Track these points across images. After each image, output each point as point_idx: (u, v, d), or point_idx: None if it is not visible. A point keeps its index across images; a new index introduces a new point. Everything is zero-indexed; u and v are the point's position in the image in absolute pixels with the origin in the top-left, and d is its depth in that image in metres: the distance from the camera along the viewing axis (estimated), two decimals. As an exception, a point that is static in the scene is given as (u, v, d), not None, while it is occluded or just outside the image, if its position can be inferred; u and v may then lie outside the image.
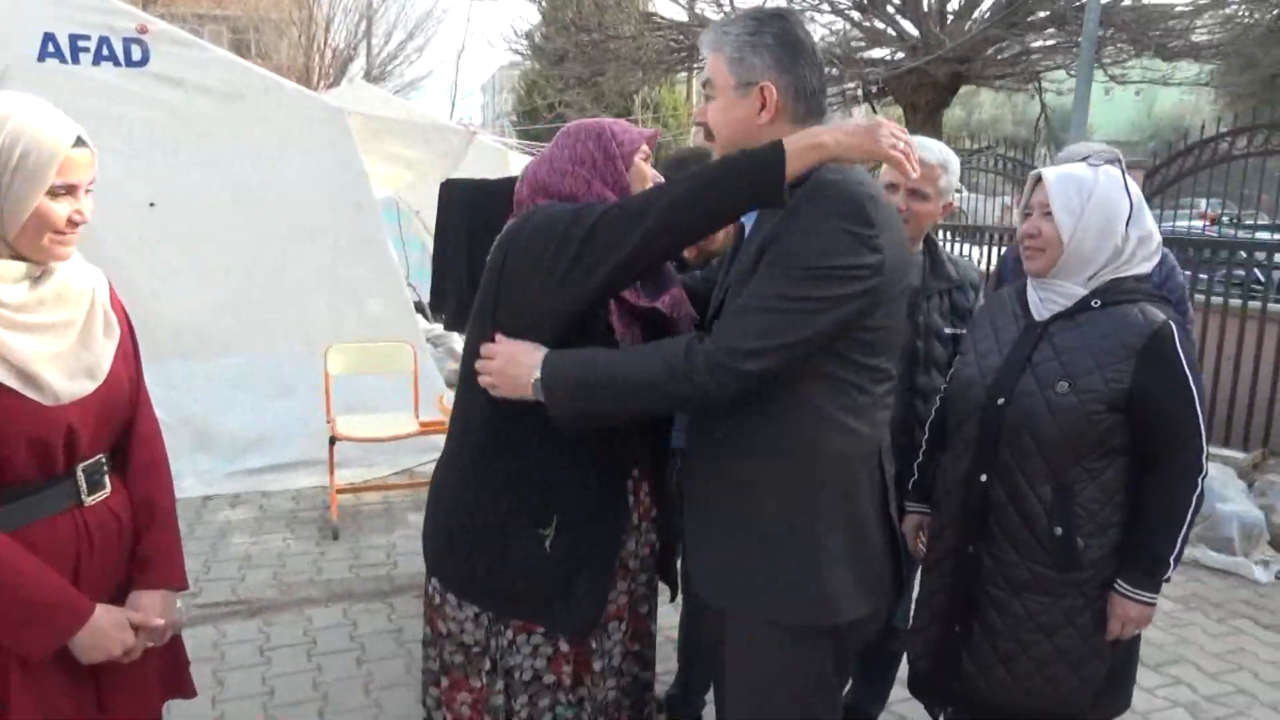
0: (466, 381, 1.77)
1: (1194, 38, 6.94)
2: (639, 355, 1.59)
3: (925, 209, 2.48)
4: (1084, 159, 2.12)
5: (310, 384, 5.35)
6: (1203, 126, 6.49)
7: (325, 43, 21.83)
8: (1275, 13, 8.54)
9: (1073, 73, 7.43)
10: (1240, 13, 7.93)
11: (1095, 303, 2.00)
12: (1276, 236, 7.05)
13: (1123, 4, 6.64)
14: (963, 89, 7.87)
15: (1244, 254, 6.09)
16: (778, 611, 1.62)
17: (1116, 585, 1.97)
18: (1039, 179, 2.08)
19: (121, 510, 1.69)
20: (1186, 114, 35.02)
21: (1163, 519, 1.94)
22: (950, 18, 7.07)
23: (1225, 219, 7.37)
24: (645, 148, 1.83)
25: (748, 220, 1.70)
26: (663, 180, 1.78)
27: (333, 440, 4.67)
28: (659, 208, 1.55)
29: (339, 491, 4.87)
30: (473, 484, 1.75)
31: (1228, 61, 8.92)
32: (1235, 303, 5.85)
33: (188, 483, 5.11)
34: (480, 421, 1.75)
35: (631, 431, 1.77)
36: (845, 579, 1.61)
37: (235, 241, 5.33)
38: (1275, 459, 5.31)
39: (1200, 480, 1.94)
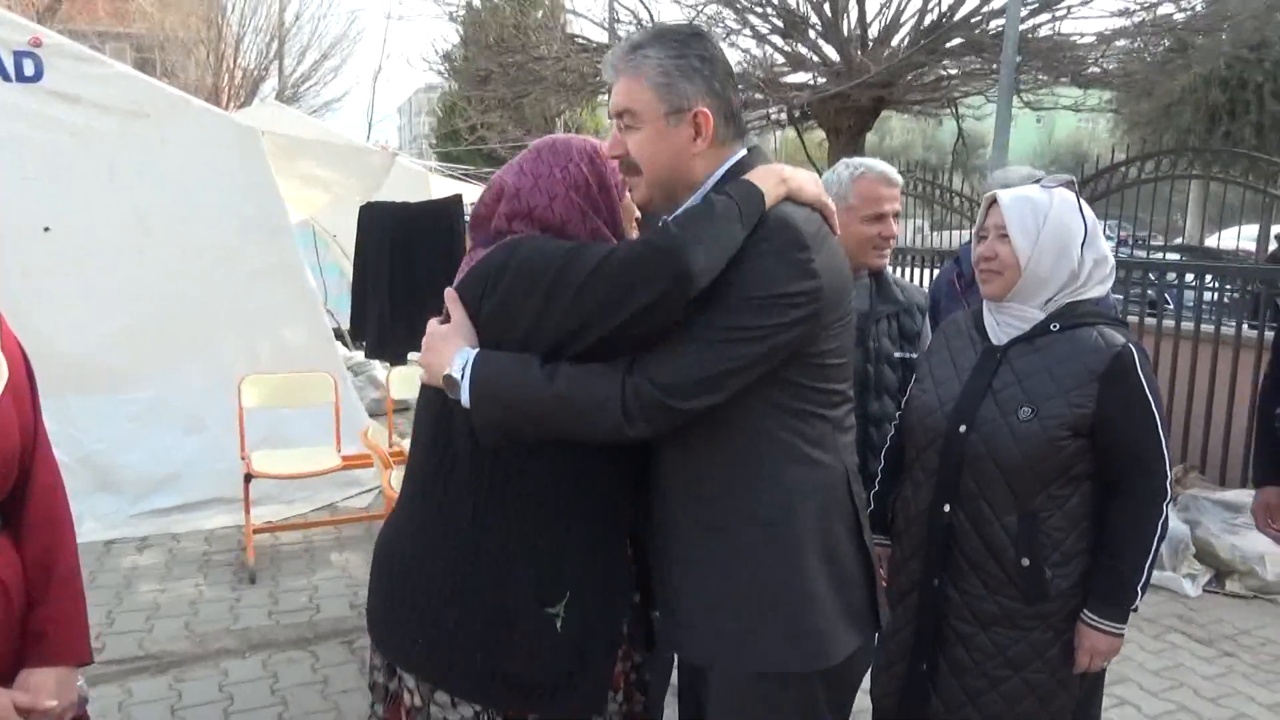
0: (438, 426, 1.54)
1: (1106, 66, 7.19)
2: (573, 380, 1.42)
3: (894, 230, 2.52)
4: (1037, 181, 2.09)
5: (221, 418, 5.07)
6: (1113, 151, 6.69)
7: (235, 62, 21.20)
8: (1166, 44, 8.94)
9: (992, 98, 7.63)
10: (1137, 44, 8.26)
11: (1054, 326, 1.95)
12: (1180, 258, 7.32)
13: (1039, 34, 6.83)
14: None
15: (1152, 275, 6.28)
16: (763, 661, 1.51)
17: (1084, 616, 1.91)
18: (993, 201, 2.04)
19: (10, 575, 1.49)
20: (1084, 140, 36.64)
21: (1130, 546, 1.89)
22: (871, 43, 7.18)
23: (1130, 241, 7.61)
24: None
25: None
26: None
27: (248, 477, 4.41)
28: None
29: (255, 531, 4.59)
30: (463, 559, 1.49)
31: (1126, 91, 9.28)
32: (1150, 321, 6.02)
33: (88, 526, 4.77)
34: (466, 477, 1.50)
35: (629, 482, 1.59)
36: (830, 615, 1.51)
37: (139, 268, 5.03)
38: (1195, 474, 5.44)
39: (1166, 505, 1.90)
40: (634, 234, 1.65)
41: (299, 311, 5.49)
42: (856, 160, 2.56)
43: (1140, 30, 7.13)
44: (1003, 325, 2.02)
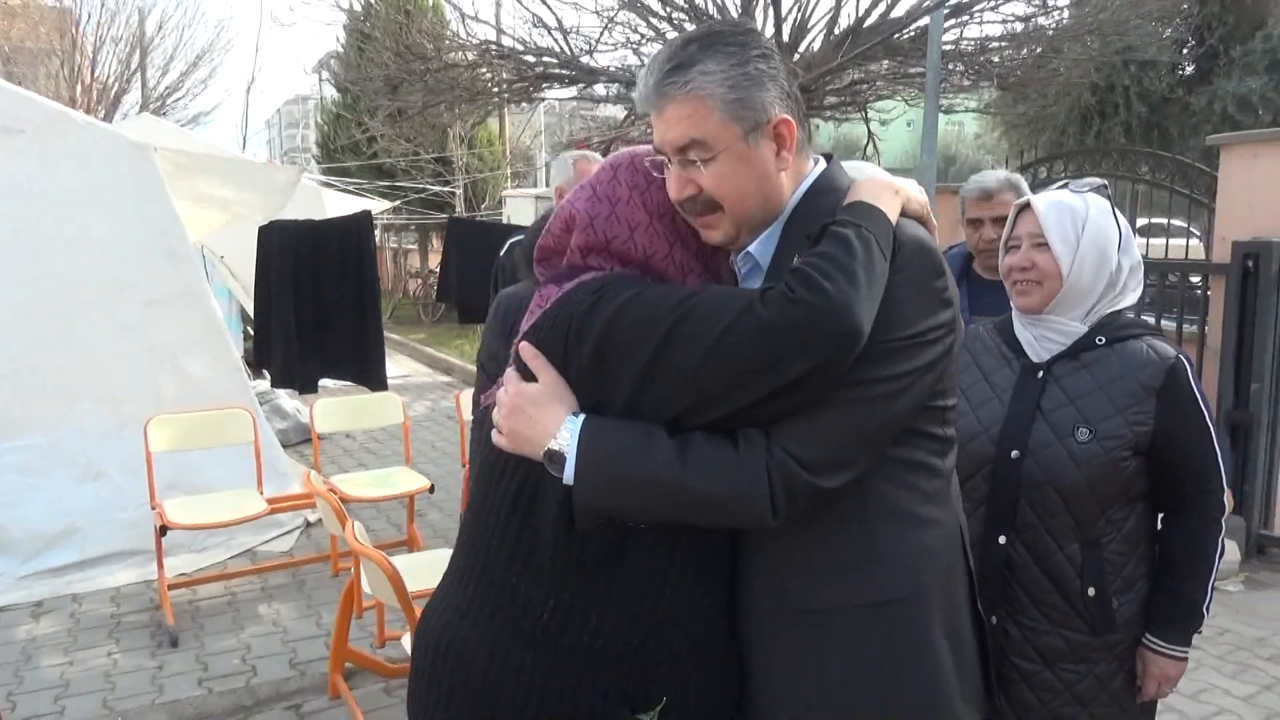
0: (516, 500, 1.28)
1: (1018, 72, 7.40)
2: (709, 463, 1.17)
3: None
4: (1062, 186, 2.00)
5: (122, 463, 4.63)
6: (1021, 154, 6.86)
7: (92, 75, 19.89)
8: (1039, 50, 9.30)
9: (912, 102, 7.73)
10: (1024, 54, 8.56)
11: (1100, 340, 1.86)
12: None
13: (963, 40, 6.96)
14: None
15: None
16: None
17: (1150, 642, 1.83)
18: (1024, 207, 1.93)
19: None
20: (953, 142, 38.21)
21: (1194, 567, 1.82)
22: (785, 48, 7.17)
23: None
24: None
25: (749, 266, 1.36)
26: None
27: (163, 529, 3.98)
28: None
29: (171, 587, 4.17)
30: (540, 659, 1.25)
31: (1006, 94, 9.61)
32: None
33: (-28, 594, 4.26)
34: (548, 563, 1.25)
35: (728, 544, 1.34)
36: (956, 695, 1.33)
37: (19, 300, 4.54)
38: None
39: (1223, 521, 1.84)
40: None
41: (204, 342, 5.08)
42: None
43: (1033, 38, 7.36)
44: (1040, 340, 1.92)
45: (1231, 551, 4.55)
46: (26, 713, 3.33)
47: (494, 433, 1.27)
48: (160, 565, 4.12)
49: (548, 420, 1.20)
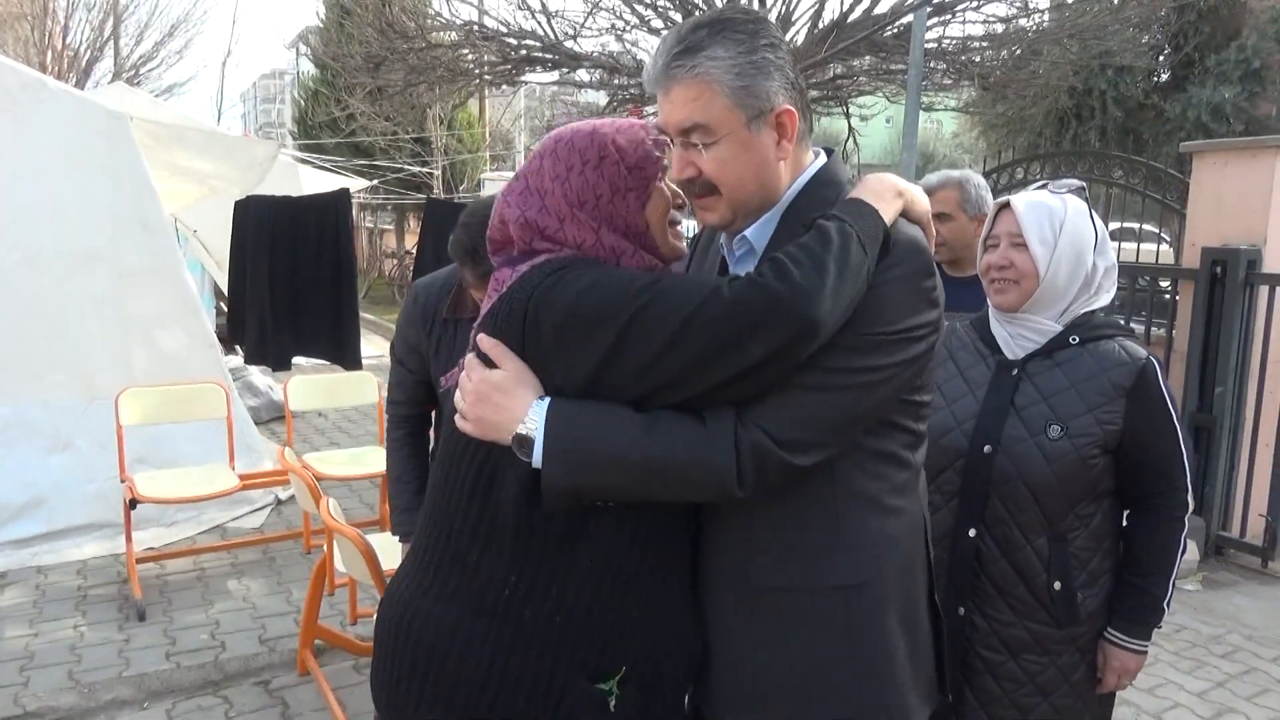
0: (477, 479, 1.30)
1: (999, 71, 7.46)
2: (673, 435, 1.20)
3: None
4: (1041, 186, 2.04)
5: (92, 435, 4.59)
6: (999, 154, 6.93)
7: (64, 41, 19.48)
8: (1019, 52, 9.39)
9: (893, 99, 7.78)
10: (1003, 55, 8.63)
11: (1074, 339, 1.90)
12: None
13: (945, 39, 6.99)
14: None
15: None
16: None
17: (1111, 636, 1.88)
18: (1004, 206, 1.97)
19: None
20: (930, 140, 38.44)
21: (1156, 563, 1.87)
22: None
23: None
24: (664, 157, 1.34)
25: (744, 250, 1.39)
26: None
27: (132, 503, 3.96)
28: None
29: (139, 560, 4.14)
30: (502, 631, 1.27)
31: (985, 94, 9.69)
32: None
33: (-65, 563, 4.21)
34: (511, 540, 1.27)
35: (689, 519, 1.36)
36: (907, 688, 1.36)
37: (-10, 269, 4.47)
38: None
39: (1186, 519, 1.89)
40: (679, 245, 1.42)
41: (178, 316, 5.04)
42: None
43: (1016, 38, 7.42)
44: (1016, 338, 1.96)
45: (1191, 551, 4.65)
46: (-10, 683, 3.31)
47: (457, 418, 1.29)
48: (129, 539, 4.08)
49: (515, 406, 1.22)
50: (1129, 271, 5.71)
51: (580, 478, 1.20)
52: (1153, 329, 5.28)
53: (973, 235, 2.87)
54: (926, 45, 5.99)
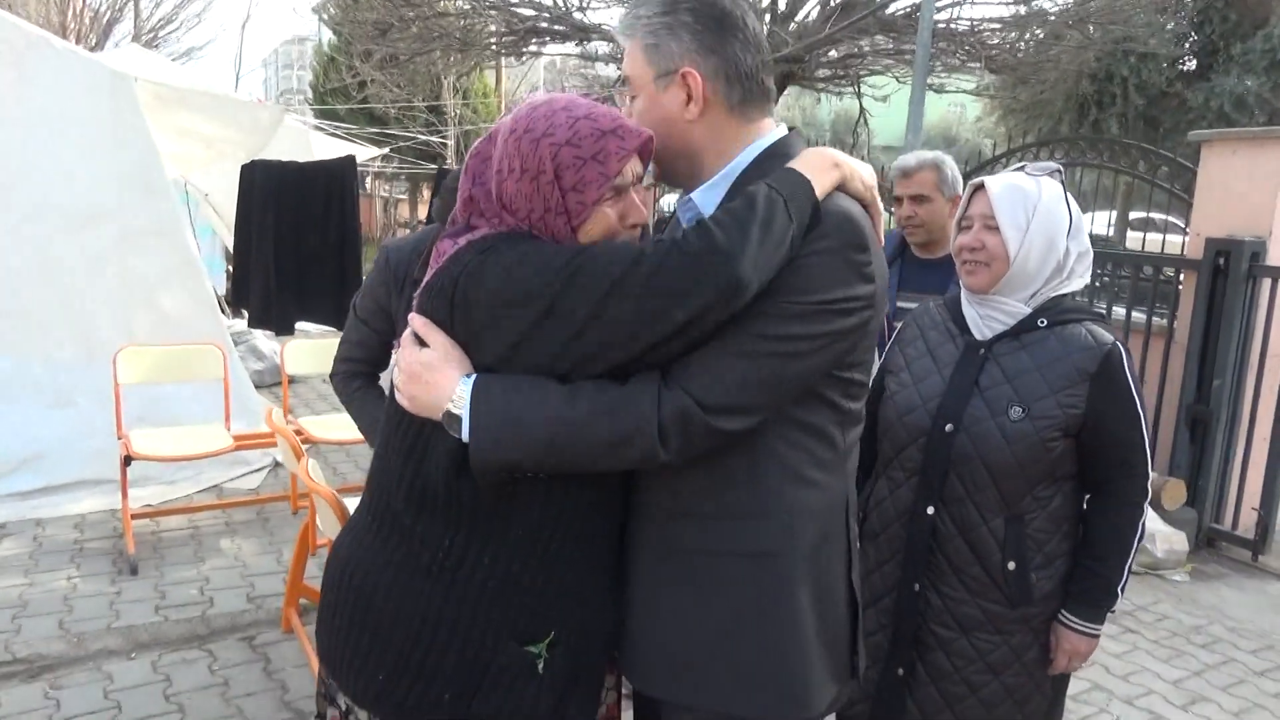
0: (412, 448, 1.32)
1: (1016, 54, 7.38)
2: (596, 403, 1.22)
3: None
4: (1019, 169, 2.03)
5: (93, 392, 4.65)
6: (1006, 137, 6.86)
7: (83, 2, 19.51)
8: (1040, 34, 9.28)
9: (901, 79, 7.71)
10: (1019, 37, 8.54)
11: (1041, 322, 1.90)
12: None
13: (956, 22, 6.92)
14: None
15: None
16: (730, 704, 1.35)
17: (1063, 618, 1.89)
18: (979, 188, 1.96)
19: None
20: (954, 124, 38.03)
21: (1112, 549, 1.88)
22: (779, 18, 7.11)
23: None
24: (632, 168, 1.30)
25: (690, 213, 1.41)
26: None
27: (127, 459, 4.02)
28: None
29: (134, 517, 4.21)
30: (435, 591, 1.29)
31: (1004, 78, 9.60)
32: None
33: (-63, 513, 4.30)
34: (443, 506, 1.29)
35: (621, 503, 1.40)
36: (814, 661, 1.37)
37: (-6, 226, 4.52)
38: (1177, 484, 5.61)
39: (1146, 505, 1.89)
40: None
41: (179, 277, 5.08)
42: None
43: (1028, 20, 7.33)
44: (985, 319, 1.96)
45: (1180, 542, 4.65)
46: (-18, 630, 3.38)
47: (397, 393, 1.32)
48: (124, 494, 4.15)
49: (443, 383, 1.24)
50: (1134, 260, 5.68)
51: (507, 453, 1.22)
52: (1154, 319, 5.24)
53: (949, 217, 2.87)
54: (937, 26, 5.93)
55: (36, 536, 4.24)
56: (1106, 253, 6.33)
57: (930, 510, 1.91)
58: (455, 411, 1.24)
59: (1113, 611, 1.92)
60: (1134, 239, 5.97)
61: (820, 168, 1.30)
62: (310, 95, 18.83)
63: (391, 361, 1.39)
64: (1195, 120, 13.08)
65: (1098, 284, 6.10)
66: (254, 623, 3.55)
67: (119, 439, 4.15)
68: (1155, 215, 7.83)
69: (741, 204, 1.22)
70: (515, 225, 1.29)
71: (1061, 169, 1.99)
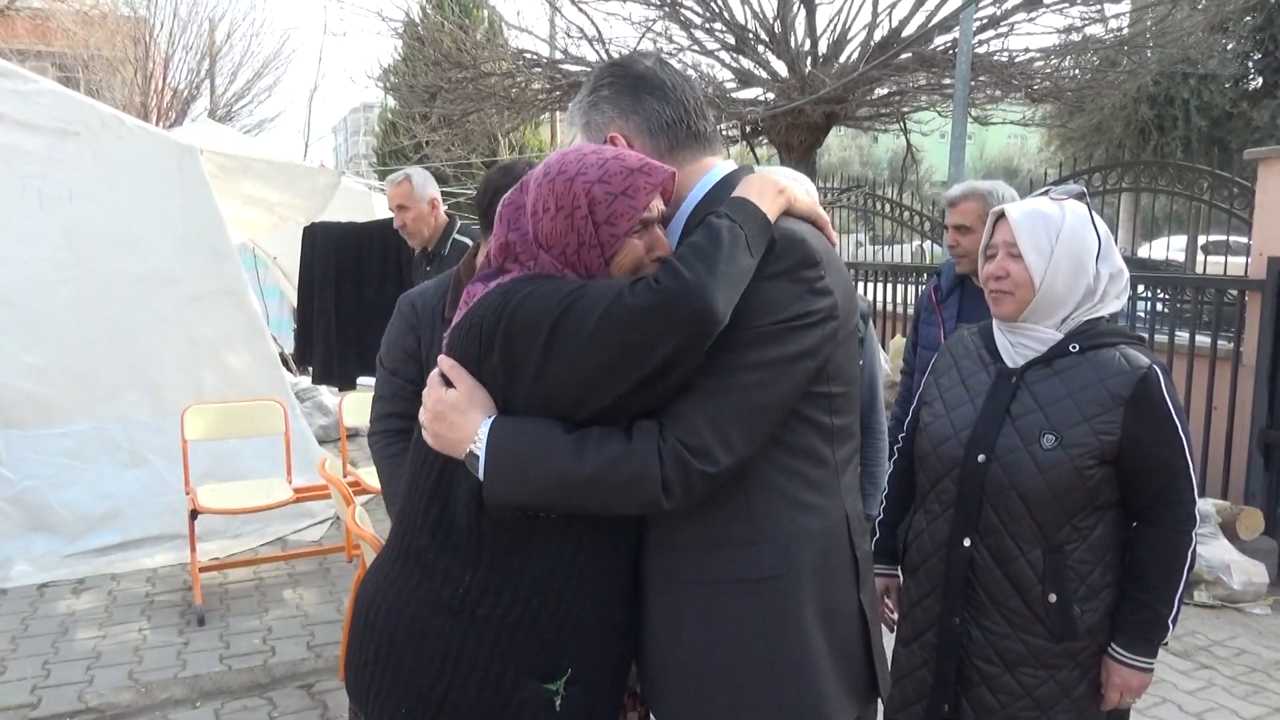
0: (437, 485, 1.37)
1: (1058, 82, 7.31)
2: (605, 453, 1.26)
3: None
4: (1043, 193, 2.02)
5: (163, 450, 4.83)
6: (1046, 170, 6.77)
7: (164, 82, 20.54)
8: (1096, 62, 9.16)
9: (945, 114, 7.69)
10: (1067, 62, 8.45)
11: (1073, 347, 1.87)
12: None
13: (989, 49, 6.90)
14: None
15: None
16: None
17: (1114, 651, 1.83)
18: (1001, 216, 1.96)
19: None
20: (1015, 155, 37.58)
21: (1161, 580, 1.82)
22: (821, 59, 7.19)
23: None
24: (656, 203, 1.35)
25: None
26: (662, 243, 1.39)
27: (194, 513, 4.16)
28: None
29: (202, 570, 4.34)
30: (456, 627, 1.33)
31: (1068, 106, 9.47)
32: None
33: (19, 569, 4.50)
34: (464, 542, 1.33)
35: (634, 530, 1.42)
36: (828, 684, 1.37)
37: (70, 294, 4.76)
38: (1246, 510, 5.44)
39: (1194, 533, 1.83)
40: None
41: (244, 337, 5.26)
42: None
43: (1069, 49, 7.25)
44: (1017, 347, 1.94)
45: (1260, 574, 4.46)
46: (59, 680, 3.51)
47: (424, 433, 1.37)
48: (193, 548, 4.28)
49: (467, 425, 1.30)
50: (1194, 283, 5.53)
51: (518, 494, 1.28)
52: (1219, 342, 5.08)
53: None
54: (977, 58, 5.92)
55: (111, 590, 4.40)
56: (1166, 277, 6.18)
57: (967, 542, 1.88)
58: (476, 452, 1.29)
59: (1165, 644, 1.86)
60: (1213, 264, 5.77)
61: (767, 194, 1.33)
62: (373, 159, 19.48)
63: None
64: (1263, 140, 12.71)
65: (1161, 309, 5.94)
66: (313, 670, 3.62)
67: (186, 494, 4.30)
68: (1235, 238, 7.60)
69: (705, 239, 1.25)
70: (550, 263, 1.34)
71: (1085, 192, 1.97)
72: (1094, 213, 1.92)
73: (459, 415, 1.31)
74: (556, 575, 1.33)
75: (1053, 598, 1.81)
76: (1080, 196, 1.94)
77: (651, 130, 1.43)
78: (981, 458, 1.87)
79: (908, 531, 2.05)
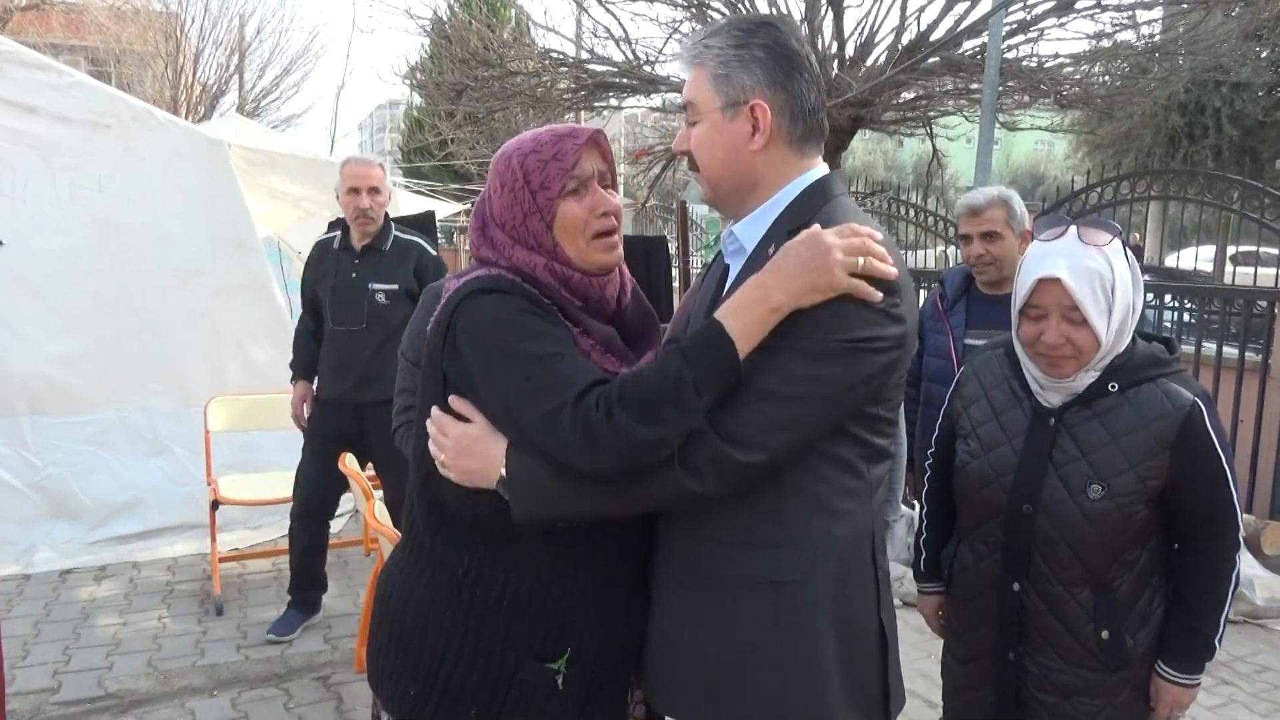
0: (425, 470, 1.43)
1: (1088, 88, 7.24)
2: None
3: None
4: (1075, 240, 1.85)
5: (186, 440, 4.87)
6: (1073, 178, 6.70)
7: (194, 77, 20.78)
8: (1126, 69, 9.07)
9: (972, 118, 7.64)
10: (1097, 69, 8.37)
11: (1112, 387, 1.79)
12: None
13: (1018, 54, 6.85)
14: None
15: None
16: None
17: (1162, 670, 1.83)
18: (1047, 278, 1.74)
19: None
20: (1041, 161, 37.25)
21: (1206, 603, 1.80)
22: (848, 62, 7.16)
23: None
24: (592, 162, 1.41)
25: (734, 245, 1.45)
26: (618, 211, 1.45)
27: (215, 504, 4.20)
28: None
29: (222, 560, 4.37)
30: (458, 610, 1.38)
31: (1098, 113, 9.38)
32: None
33: (42, 555, 4.55)
34: (460, 530, 1.39)
35: (644, 524, 1.44)
36: (833, 691, 1.36)
37: (98, 285, 4.80)
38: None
39: (1238, 557, 1.81)
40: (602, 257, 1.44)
41: (267, 330, 5.29)
42: None
43: (1099, 55, 7.18)
44: (1050, 388, 1.84)
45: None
46: (79, 666, 3.55)
47: (439, 466, 1.38)
48: (213, 538, 4.32)
49: (493, 454, 1.32)
50: (1223, 294, 5.47)
51: (545, 511, 1.31)
52: (1248, 354, 5.02)
53: (1019, 252, 2.82)
54: (1006, 63, 5.88)
55: (132, 578, 4.44)
56: (1195, 287, 6.11)
57: (1016, 586, 1.86)
58: (505, 476, 1.32)
59: (1211, 660, 1.85)
60: (1242, 275, 5.65)
61: (754, 316, 1.27)
62: (400, 155, 19.60)
63: None
64: (1295, 150, 12.55)
65: (1189, 319, 5.88)
66: (329, 663, 3.64)
67: (208, 484, 4.34)
68: (1265, 249, 7.49)
69: (657, 377, 1.25)
70: (504, 240, 1.41)
71: (1120, 229, 1.85)
72: (1126, 246, 1.79)
73: (484, 446, 1.34)
74: (554, 559, 1.37)
75: (1105, 634, 1.80)
76: (1115, 232, 1.78)
77: (793, 113, 1.40)
78: (1027, 509, 1.82)
79: (953, 561, 2.02)
